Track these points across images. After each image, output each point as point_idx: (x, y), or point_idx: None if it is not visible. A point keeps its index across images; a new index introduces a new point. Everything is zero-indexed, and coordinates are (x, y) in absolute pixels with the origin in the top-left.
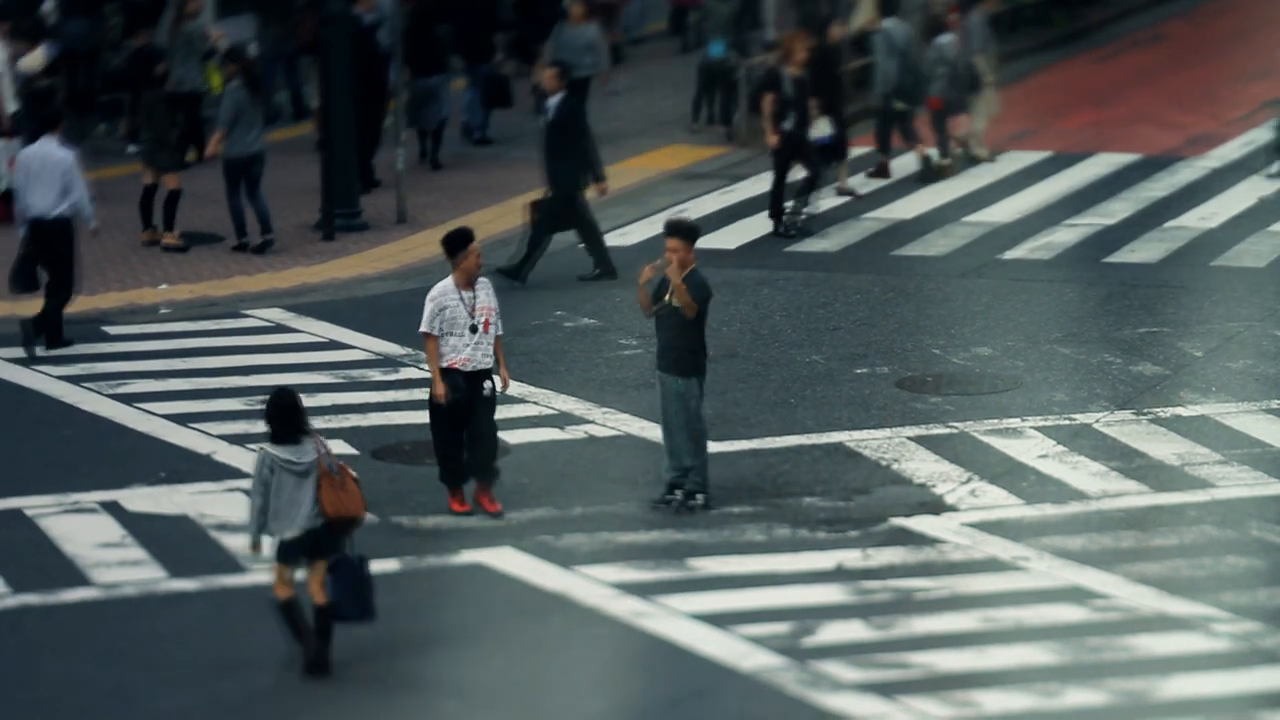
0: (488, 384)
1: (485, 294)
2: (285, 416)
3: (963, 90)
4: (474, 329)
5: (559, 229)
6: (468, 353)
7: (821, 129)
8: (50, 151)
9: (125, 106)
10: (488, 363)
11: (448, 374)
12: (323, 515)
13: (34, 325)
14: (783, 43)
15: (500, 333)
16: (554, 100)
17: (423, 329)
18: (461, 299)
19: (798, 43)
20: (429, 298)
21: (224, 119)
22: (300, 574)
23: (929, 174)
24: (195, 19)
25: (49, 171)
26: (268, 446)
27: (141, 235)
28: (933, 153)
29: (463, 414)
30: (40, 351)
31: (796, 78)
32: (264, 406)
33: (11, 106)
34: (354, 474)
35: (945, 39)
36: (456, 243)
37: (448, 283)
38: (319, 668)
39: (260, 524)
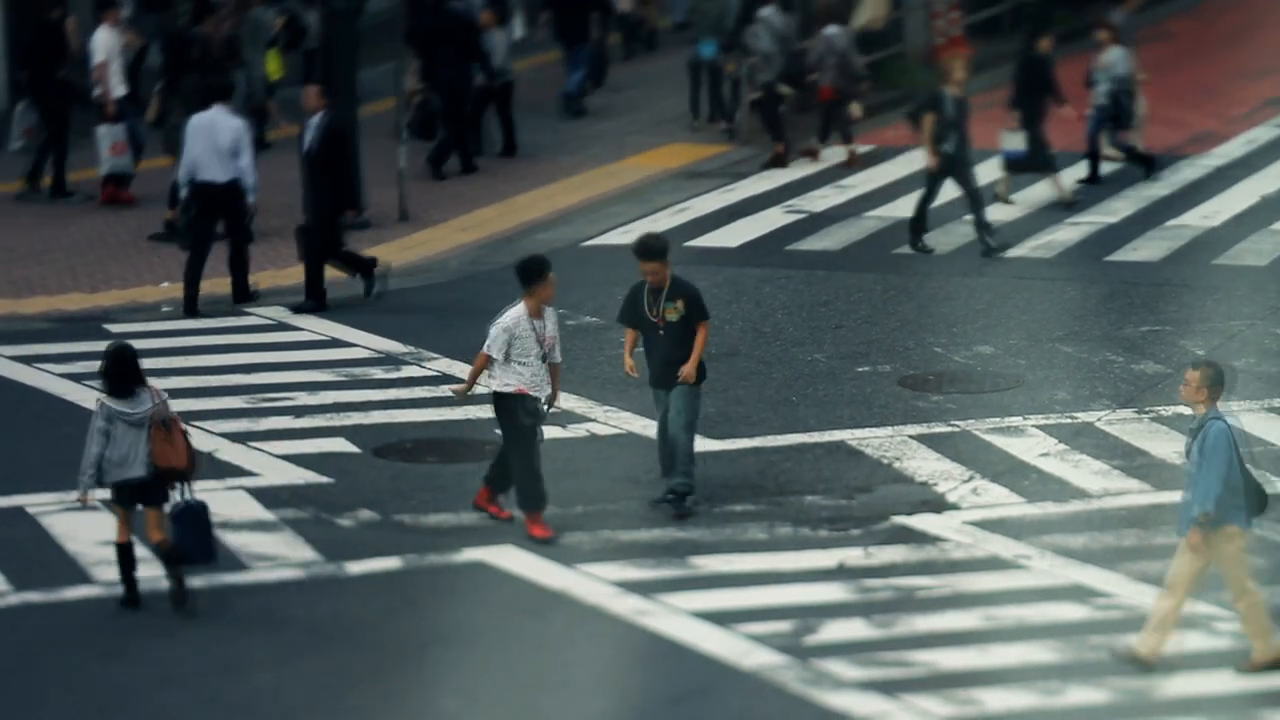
0: (542, 408)
1: (552, 323)
2: (122, 370)
3: (850, 80)
4: (543, 358)
5: (327, 257)
6: (535, 380)
7: (1014, 142)
8: (222, 119)
9: (158, 90)
10: (549, 391)
11: (520, 399)
12: (153, 465)
13: (236, 292)
14: (941, 61)
15: (559, 360)
16: (315, 119)
17: (488, 352)
18: (533, 327)
19: (957, 61)
20: (500, 324)
21: None
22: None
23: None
24: (259, 7)
25: (220, 138)
26: (104, 398)
27: (168, 214)
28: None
29: (533, 438)
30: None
31: (957, 98)
32: (101, 360)
33: (120, 91)
34: (184, 427)
35: (834, 30)
36: (533, 271)
37: (520, 310)
38: (179, 603)
39: (93, 474)
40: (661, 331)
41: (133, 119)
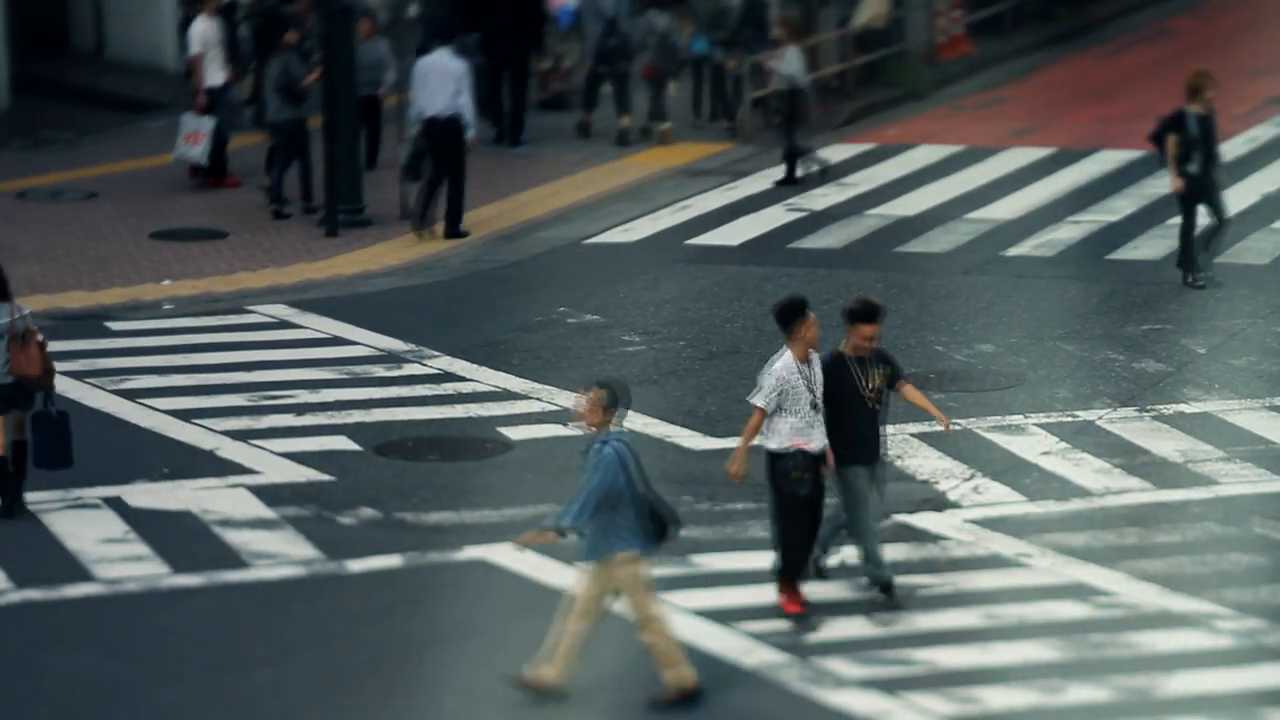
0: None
1: (818, 367)
2: None
3: (672, 60)
4: (815, 406)
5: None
6: (813, 433)
7: None
8: (445, 60)
9: (249, 69)
10: (825, 443)
11: (790, 456)
12: (10, 373)
13: (448, 224)
14: (1190, 79)
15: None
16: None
17: (759, 403)
18: (802, 374)
19: (1206, 79)
20: (771, 373)
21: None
22: None
23: (624, 140)
24: None
25: (444, 77)
26: None
27: (264, 180)
28: (656, 123)
29: (812, 501)
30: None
31: (1202, 116)
32: None
33: (218, 80)
34: (41, 339)
35: (655, 12)
36: (792, 313)
37: (788, 358)
38: (8, 513)
39: None
40: (874, 405)
41: (225, 112)
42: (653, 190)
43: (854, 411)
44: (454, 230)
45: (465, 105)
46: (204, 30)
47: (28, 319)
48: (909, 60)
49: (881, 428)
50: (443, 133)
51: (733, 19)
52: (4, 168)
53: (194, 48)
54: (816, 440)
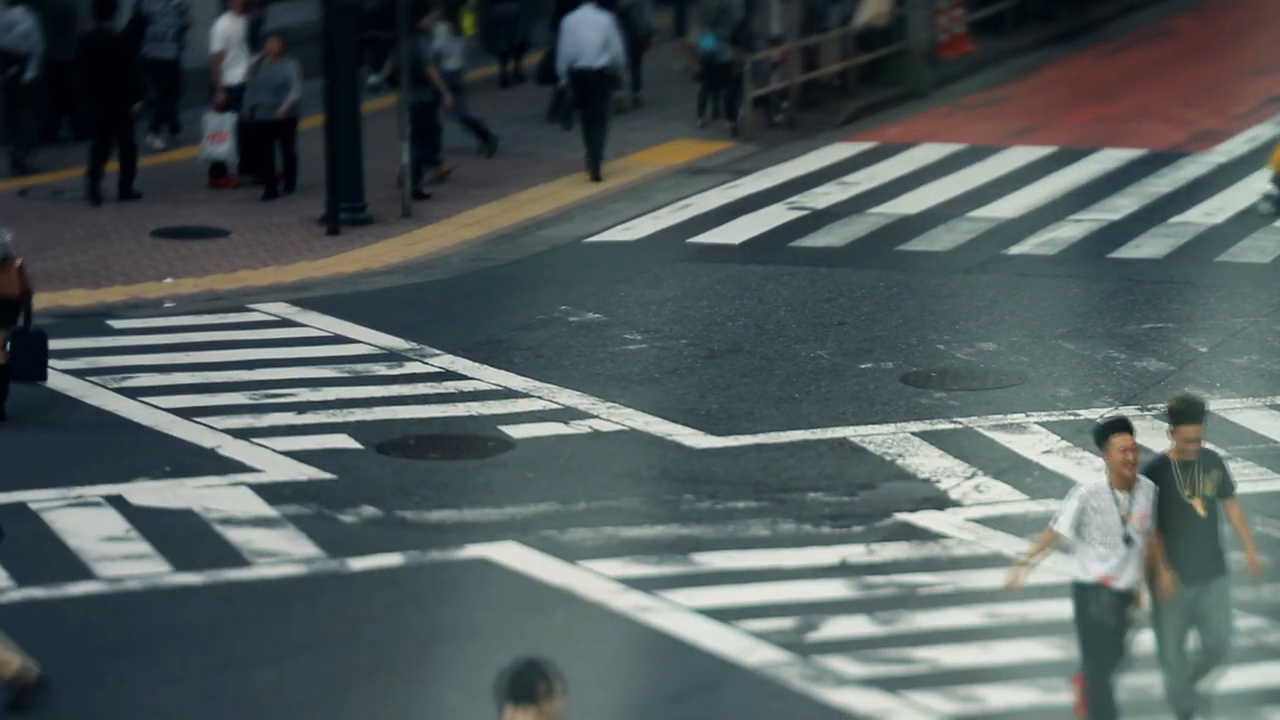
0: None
1: (1145, 498)
2: None
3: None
4: (1129, 540)
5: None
6: (1120, 567)
7: None
8: (592, 14)
9: (384, 51)
10: (1138, 578)
11: (1094, 589)
12: None
13: (591, 170)
14: None
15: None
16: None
17: (1059, 529)
18: (1116, 501)
19: None
20: (1075, 494)
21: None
22: None
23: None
24: None
25: (592, 30)
26: None
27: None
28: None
29: (1118, 636)
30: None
31: None
32: None
33: (237, 77)
34: (19, 262)
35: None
36: (1103, 431)
37: (1101, 481)
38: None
39: None
40: (1204, 512)
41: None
42: (654, 189)
43: (1184, 524)
44: (596, 174)
45: (616, 55)
46: (226, 28)
47: (8, 245)
48: (910, 59)
49: (1220, 541)
50: (591, 83)
51: (736, 16)
52: (6, 166)
53: (215, 45)
54: (1127, 576)
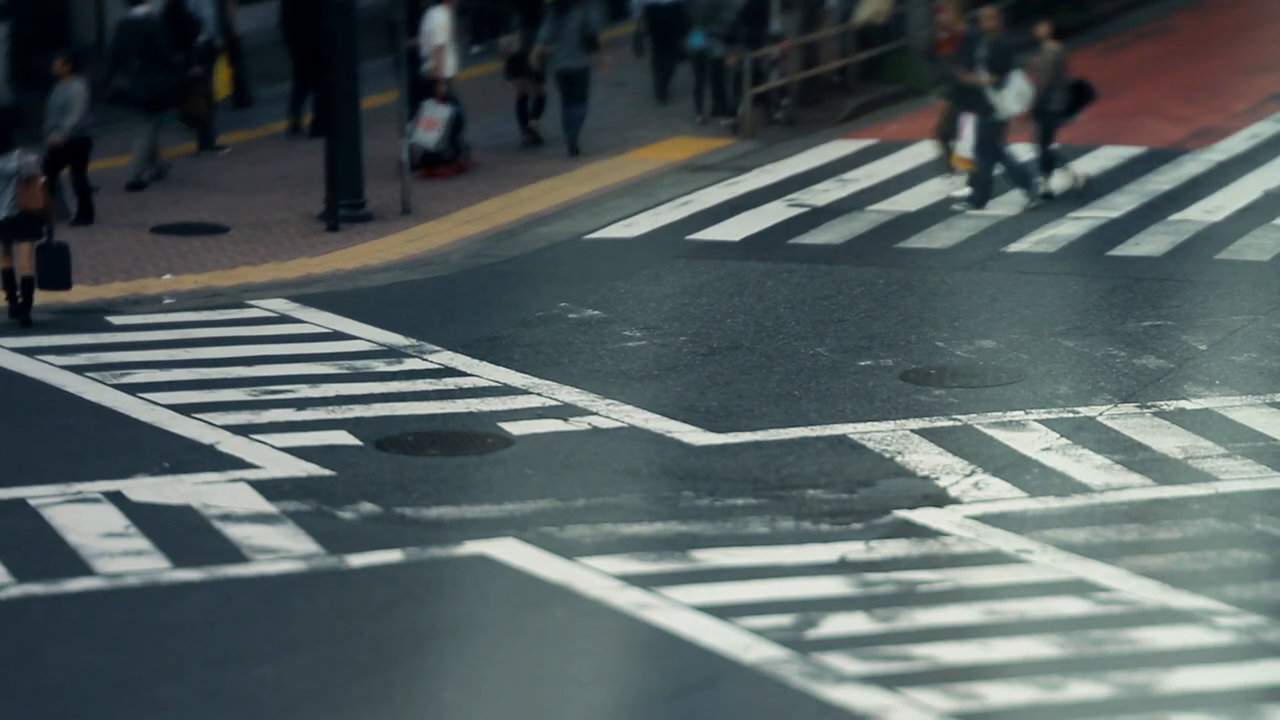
0: None
1: None
2: (2, 135)
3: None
4: None
5: None
6: None
7: None
8: None
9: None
10: None
11: None
12: (18, 208)
13: (659, 94)
14: None
15: None
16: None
17: None
18: None
19: None
20: None
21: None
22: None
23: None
24: None
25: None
26: None
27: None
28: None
29: None
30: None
31: None
32: None
33: (452, 72)
34: (43, 180)
35: None
36: None
37: None
38: (26, 322)
39: None
40: None
41: (461, 106)
42: (654, 186)
43: None
44: (662, 94)
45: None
46: (442, 20)
47: (31, 164)
48: (910, 56)
49: None
50: (663, 19)
51: (731, 13)
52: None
53: (436, 39)
54: None
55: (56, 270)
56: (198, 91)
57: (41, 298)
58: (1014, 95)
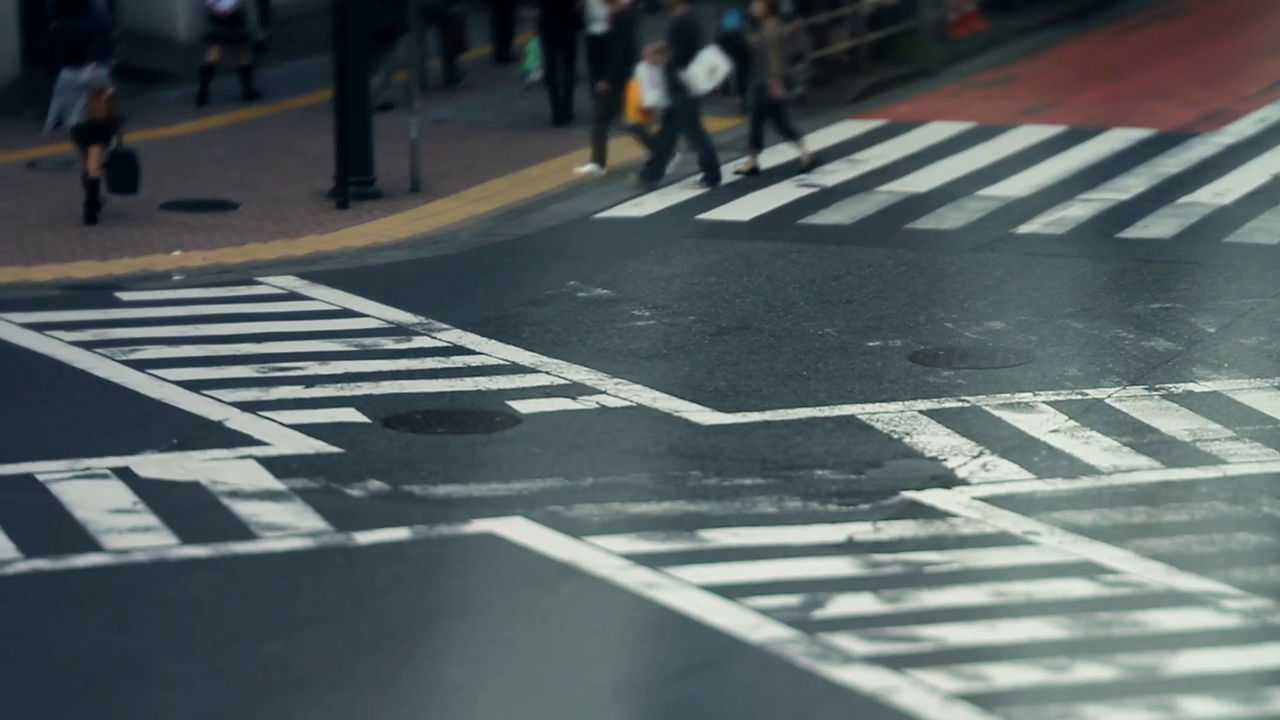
0: None
1: None
2: (77, 50)
3: None
4: None
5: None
6: None
7: None
8: None
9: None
10: None
11: None
12: (88, 116)
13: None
14: None
15: None
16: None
17: None
18: None
19: None
20: None
21: None
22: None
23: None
24: None
25: None
26: (65, 70)
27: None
28: None
29: None
30: None
31: None
32: (58, 39)
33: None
34: (111, 92)
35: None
36: None
37: None
38: (90, 219)
39: (56, 115)
40: None
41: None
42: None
43: None
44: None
45: None
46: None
47: (102, 77)
48: (921, 37)
49: None
50: None
51: None
52: (15, 137)
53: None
54: None
55: (125, 176)
56: (457, 27)
57: (49, 274)
58: (705, 71)
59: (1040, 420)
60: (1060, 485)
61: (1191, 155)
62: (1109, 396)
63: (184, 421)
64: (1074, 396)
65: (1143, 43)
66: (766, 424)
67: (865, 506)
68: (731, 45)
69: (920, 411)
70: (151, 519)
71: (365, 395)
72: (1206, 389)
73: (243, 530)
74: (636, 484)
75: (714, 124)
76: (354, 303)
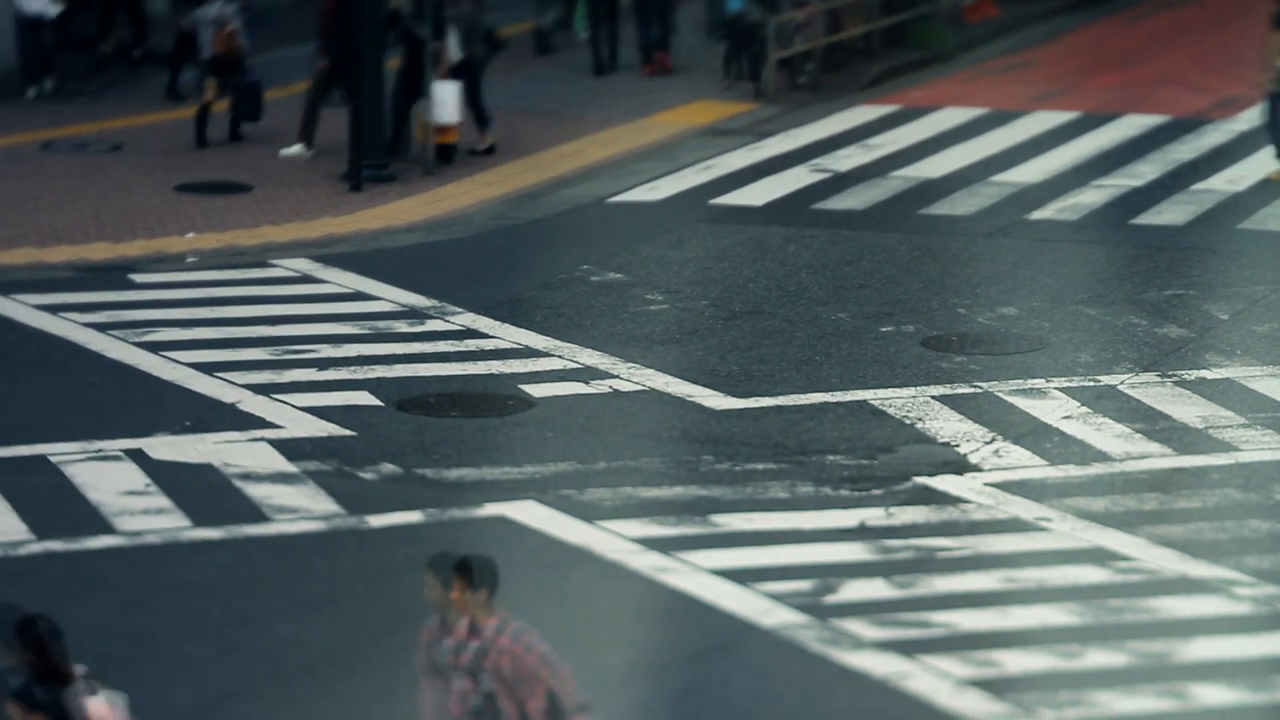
0: None
1: None
2: None
3: None
4: None
5: None
6: None
7: None
8: None
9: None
10: None
11: None
12: (214, 50)
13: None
14: None
15: None
16: None
17: None
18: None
19: None
20: None
21: None
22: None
23: None
24: None
25: None
26: (196, 10)
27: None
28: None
29: None
30: None
31: None
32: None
33: None
34: (232, 28)
35: None
36: None
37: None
38: (237, 138)
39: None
40: None
41: None
42: (677, 149)
43: None
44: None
45: None
46: None
47: (229, 13)
48: (935, 22)
49: None
50: None
51: None
52: (29, 119)
53: None
54: None
55: (249, 104)
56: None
57: (63, 255)
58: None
59: (1053, 406)
60: (1072, 471)
61: (1205, 142)
62: (1121, 383)
63: (197, 404)
64: (1086, 383)
65: (1157, 29)
66: (779, 409)
67: (877, 492)
68: (736, 29)
69: (933, 397)
70: (164, 501)
71: (378, 378)
72: (1219, 376)
73: (255, 513)
74: (649, 468)
75: (728, 108)
76: (367, 286)
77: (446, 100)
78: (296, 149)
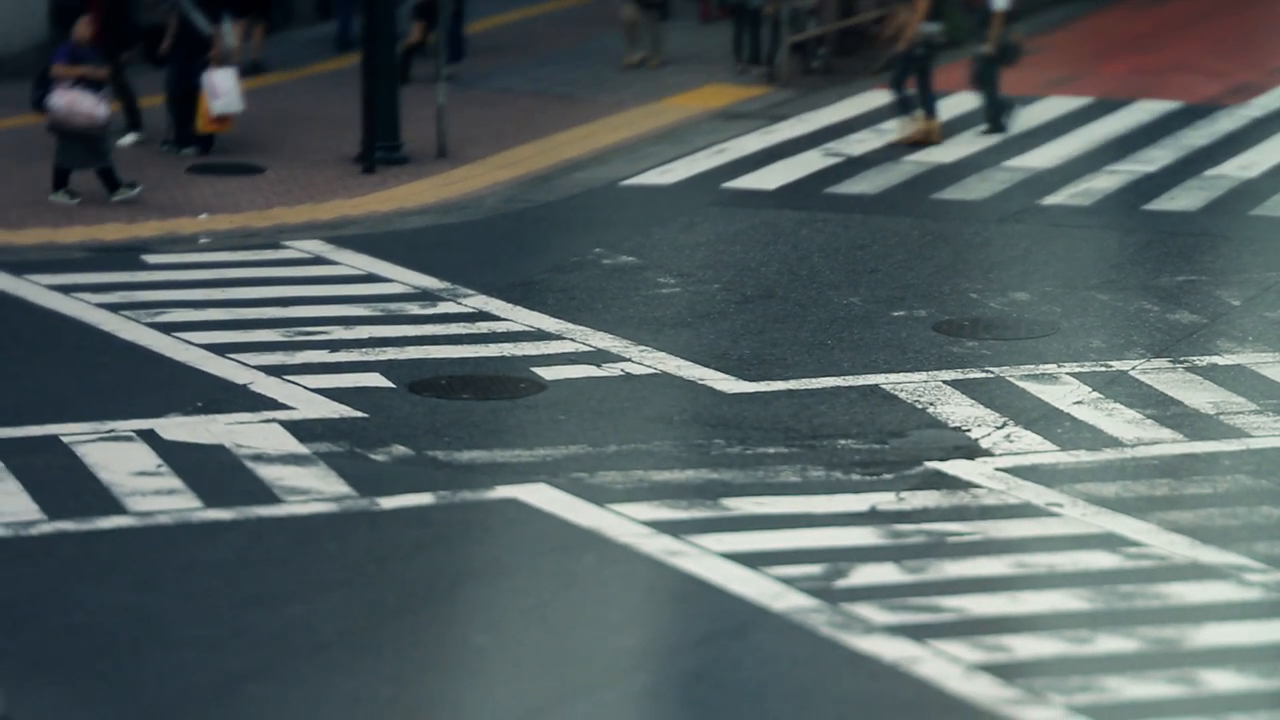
0: None
1: None
2: None
3: None
4: None
5: None
6: None
7: None
8: None
9: None
10: None
11: None
12: None
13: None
14: None
15: None
16: None
17: None
18: None
19: None
20: None
21: None
22: None
23: None
24: None
25: None
26: None
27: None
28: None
29: None
30: None
31: None
32: None
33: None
34: None
35: None
36: None
37: None
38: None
39: None
40: None
41: None
42: (690, 133)
43: None
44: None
45: None
46: None
47: None
48: (949, 7)
49: None
50: None
51: None
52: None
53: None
54: None
55: (455, 47)
56: None
57: (76, 235)
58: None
59: (1064, 392)
60: (1083, 457)
61: (1218, 128)
62: (1133, 369)
63: (209, 385)
64: (1098, 368)
65: (1170, 15)
66: (790, 393)
67: (888, 476)
68: (742, 12)
69: (944, 382)
70: (175, 482)
71: (390, 360)
72: (1230, 362)
73: (266, 494)
74: (660, 451)
75: (741, 92)
76: (380, 267)
77: (225, 90)
78: (130, 137)
